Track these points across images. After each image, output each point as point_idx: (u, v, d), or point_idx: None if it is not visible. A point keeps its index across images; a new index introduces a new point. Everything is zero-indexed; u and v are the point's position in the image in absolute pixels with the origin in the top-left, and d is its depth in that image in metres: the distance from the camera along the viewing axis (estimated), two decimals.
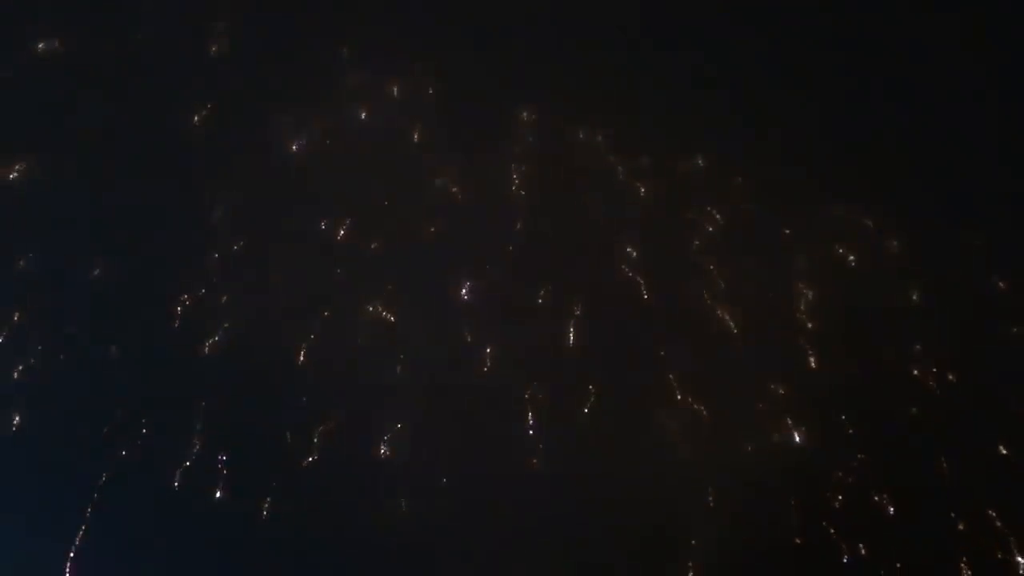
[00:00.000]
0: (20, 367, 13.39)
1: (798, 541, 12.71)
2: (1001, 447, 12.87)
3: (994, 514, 12.54)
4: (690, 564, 12.71)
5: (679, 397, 13.42)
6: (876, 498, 12.79)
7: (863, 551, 12.56)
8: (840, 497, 12.86)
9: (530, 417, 13.39)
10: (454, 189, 14.40)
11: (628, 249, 14.21)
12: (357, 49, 14.70)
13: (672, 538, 12.82)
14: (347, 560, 13.06)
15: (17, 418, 13.27)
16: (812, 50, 14.72)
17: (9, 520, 12.91)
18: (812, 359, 13.60)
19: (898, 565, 12.49)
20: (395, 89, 14.69)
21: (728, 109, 14.63)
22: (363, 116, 14.60)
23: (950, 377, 13.36)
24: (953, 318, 13.70)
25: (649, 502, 12.90)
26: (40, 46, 14.17)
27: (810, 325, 13.70)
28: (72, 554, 12.80)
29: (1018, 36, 14.55)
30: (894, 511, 12.68)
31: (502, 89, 14.61)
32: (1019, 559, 12.30)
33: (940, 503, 12.74)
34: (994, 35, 14.63)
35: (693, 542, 12.74)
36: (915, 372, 13.45)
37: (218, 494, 13.15)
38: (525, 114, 14.68)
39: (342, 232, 14.15)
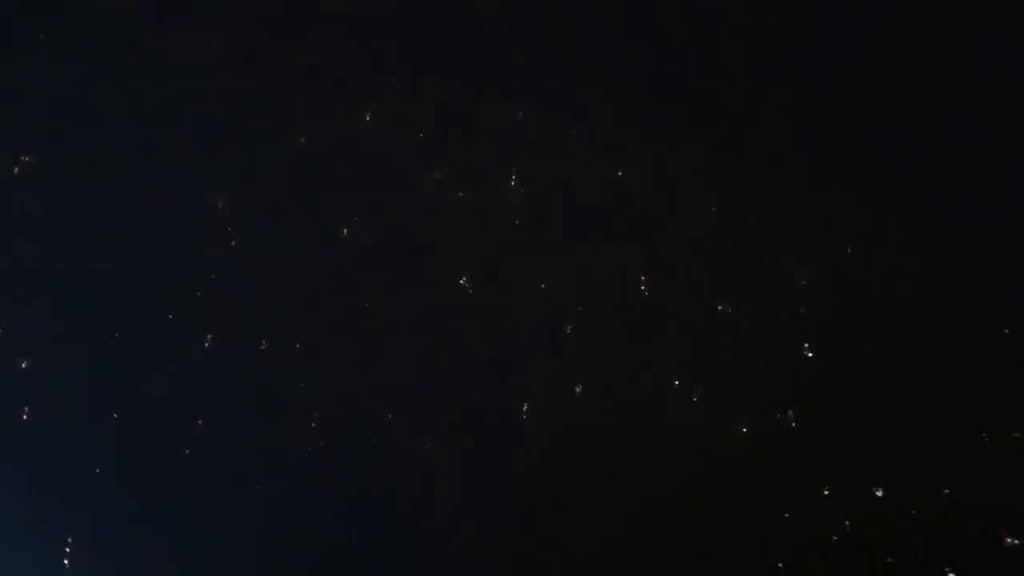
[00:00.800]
0: (26, 360, 13.62)
1: (786, 515, 12.82)
2: (984, 435, 12.99)
3: (982, 504, 12.69)
4: (686, 548, 12.87)
5: (676, 384, 13.55)
6: (867, 484, 12.91)
7: (851, 532, 12.71)
8: (832, 483, 12.98)
9: (526, 407, 13.53)
10: (452, 186, 14.53)
11: (628, 244, 14.30)
12: (357, 47, 14.89)
13: (665, 524, 12.96)
14: (343, 549, 13.19)
15: (26, 410, 13.48)
16: (811, 46, 14.83)
17: (9, 509, 13.08)
18: (809, 351, 13.64)
19: (886, 548, 12.67)
20: (394, 88, 14.85)
21: (727, 105, 14.73)
22: (363, 113, 14.75)
23: (944, 370, 13.37)
24: (949, 313, 13.69)
25: (644, 489, 13.05)
26: (41, 37, 14.39)
27: (804, 311, 13.75)
28: (69, 546, 12.95)
29: (1018, 33, 14.66)
30: (882, 495, 12.80)
31: (499, 87, 14.77)
32: (1007, 540, 12.45)
33: (929, 490, 12.85)
34: (994, 31, 14.70)
35: (686, 527, 12.94)
36: (910, 366, 13.46)
37: (219, 485, 13.29)
38: (521, 113, 14.79)
39: (344, 230, 14.30)
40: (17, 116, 14.28)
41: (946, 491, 12.77)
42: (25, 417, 13.46)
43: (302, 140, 14.55)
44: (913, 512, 12.72)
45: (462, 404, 13.63)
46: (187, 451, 13.33)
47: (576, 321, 13.93)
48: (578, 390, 13.59)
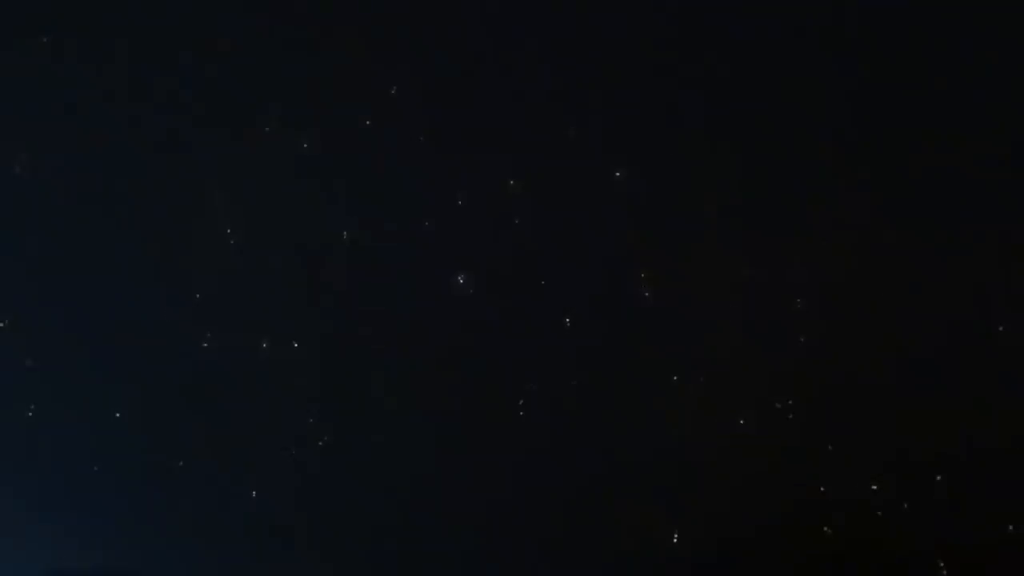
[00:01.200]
0: (29, 358, 13.80)
1: (781, 510, 12.92)
2: (979, 431, 13.01)
3: (976, 499, 12.75)
4: (675, 537, 12.95)
5: (675, 379, 13.66)
6: (862, 480, 13.03)
7: (845, 527, 12.81)
8: (827, 479, 13.12)
9: (523, 403, 13.62)
10: (452, 186, 14.60)
11: (627, 243, 14.35)
12: (354, 48, 14.97)
13: (660, 519, 13.07)
14: (343, 548, 13.30)
15: (33, 407, 13.67)
16: (808, 44, 14.82)
17: (8, 507, 13.23)
18: (806, 349, 13.67)
19: (879, 543, 12.78)
20: (394, 88, 14.91)
21: (729, 104, 14.69)
22: (363, 115, 14.82)
23: (940, 367, 13.40)
24: (946, 309, 13.69)
25: (640, 484, 13.24)
26: (44, 40, 14.52)
27: (801, 308, 13.78)
28: (67, 545, 13.09)
29: (1017, 32, 14.62)
30: (876, 488, 12.84)
31: (499, 87, 14.82)
32: (1000, 536, 12.54)
33: (924, 486, 12.95)
34: (992, 30, 14.66)
35: (681, 522, 13.11)
36: (906, 363, 13.48)
37: (218, 484, 13.40)
38: (521, 113, 14.83)
39: (344, 231, 14.39)
40: (17, 113, 14.39)
41: (940, 488, 12.83)
42: (30, 414, 13.62)
43: (304, 144, 14.61)
44: (906, 506, 12.76)
45: (461, 402, 13.73)
46: (186, 449, 13.47)
47: (575, 318, 13.98)
48: (576, 387, 13.66)
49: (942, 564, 12.51)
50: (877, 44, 14.56)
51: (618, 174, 14.63)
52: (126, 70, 14.38)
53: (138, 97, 14.39)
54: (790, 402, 13.38)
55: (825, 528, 12.83)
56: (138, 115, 14.35)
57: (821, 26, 14.81)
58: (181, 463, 13.53)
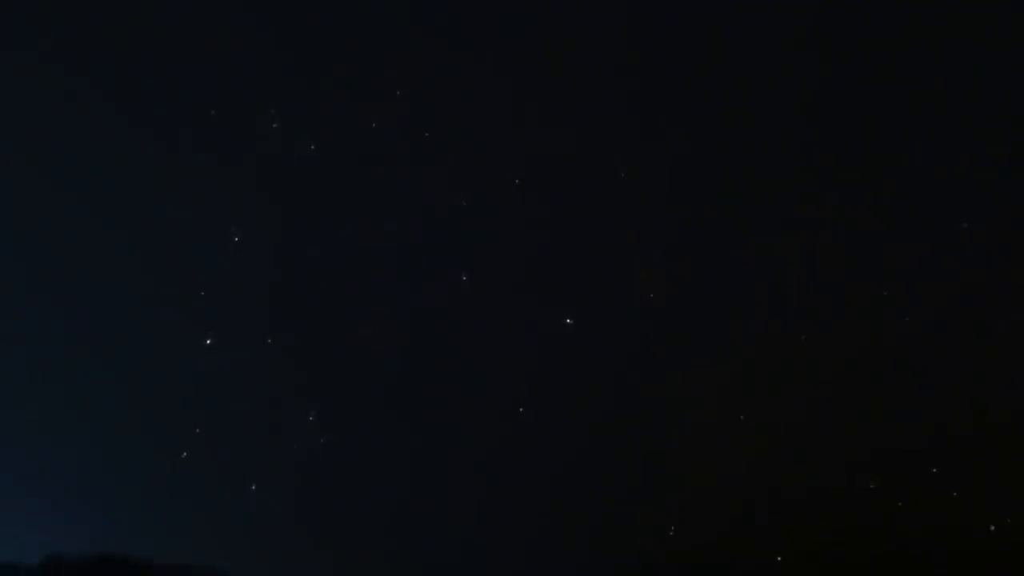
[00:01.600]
0: (29, 358, 13.84)
1: (781, 507, 12.95)
2: (975, 430, 13.15)
3: (971, 496, 12.86)
4: (672, 530, 12.99)
5: (676, 376, 13.74)
6: (860, 476, 13.09)
7: (844, 523, 12.82)
8: (826, 476, 13.18)
9: (524, 402, 13.69)
10: (452, 186, 14.64)
11: (627, 242, 14.41)
12: (354, 49, 15.03)
13: (661, 517, 13.08)
14: (338, 546, 13.31)
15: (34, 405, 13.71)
16: (805, 43, 14.87)
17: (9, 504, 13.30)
18: (805, 347, 13.71)
19: (877, 538, 12.84)
20: (395, 89, 14.97)
21: (731, 106, 14.81)
22: (364, 116, 14.87)
23: (938, 366, 13.44)
24: (944, 309, 13.71)
25: (641, 482, 13.25)
26: (44, 40, 14.57)
27: (800, 306, 13.84)
28: (66, 541, 13.14)
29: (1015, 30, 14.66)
30: (874, 486, 12.90)
31: (498, 87, 14.87)
32: (994, 531, 12.63)
33: (921, 483, 13.01)
34: (990, 29, 14.70)
35: (682, 519, 13.10)
36: (904, 362, 13.52)
37: (218, 482, 13.42)
38: (519, 115, 14.88)
39: (345, 231, 14.43)
40: (17, 113, 14.44)
41: (936, 484, 12.85)
42: (32, 410, 13.65)
43: (312, 146, 14.62)
44: (901, 504, 12.80)
45: (461, 401, 13.75)
46: (186, 446, 13.47)
47: (575, 318, 14.01)
48: (576, 387, 13.69)
49: (937, 560, 12.54)
50: (875, 47, 14.73)
51: (622, 175, 14.72)
52: (127, 71, 14.45)
53: (138, 98, 14.45)
54: (789, 400, 13.42)
55: (821, 524, 12.83)
56: (138, 116, 14.42)
57: (819, 30, 14.93)
58: (181, 461, 13.50)
